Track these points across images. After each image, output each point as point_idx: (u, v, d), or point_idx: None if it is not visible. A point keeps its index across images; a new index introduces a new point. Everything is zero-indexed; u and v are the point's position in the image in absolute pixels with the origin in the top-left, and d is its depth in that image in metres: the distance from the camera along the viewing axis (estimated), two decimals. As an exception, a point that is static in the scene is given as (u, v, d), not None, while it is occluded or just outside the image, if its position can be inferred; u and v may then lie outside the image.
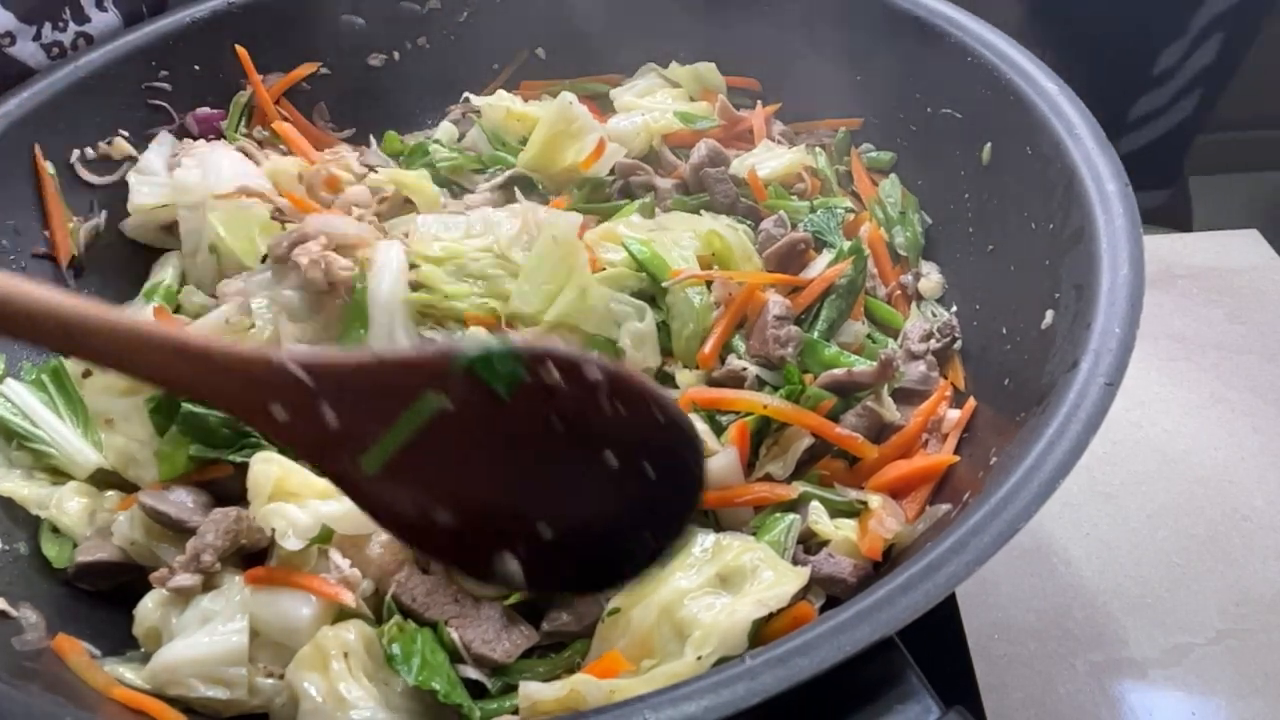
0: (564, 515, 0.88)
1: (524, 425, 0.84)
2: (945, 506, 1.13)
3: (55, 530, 1.21)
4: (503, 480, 0.87)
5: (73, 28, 1.59)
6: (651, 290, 1.34)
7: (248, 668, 1.04)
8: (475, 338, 0.85)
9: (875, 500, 1.18)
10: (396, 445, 0.82)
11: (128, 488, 1.24)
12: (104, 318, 0.76)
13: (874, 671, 0.85)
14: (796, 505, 1.20)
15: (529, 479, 0.87)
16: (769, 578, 1.08)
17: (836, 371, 1.27)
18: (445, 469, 0.85)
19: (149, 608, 1.11)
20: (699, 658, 1.00)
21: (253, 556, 1.17)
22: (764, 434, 1.25)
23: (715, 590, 1.07)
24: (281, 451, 1.18)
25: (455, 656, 1.07)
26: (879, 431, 1.26)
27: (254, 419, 0.83)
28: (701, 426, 1.21)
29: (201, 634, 1.06)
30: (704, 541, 1.12)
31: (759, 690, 0.80)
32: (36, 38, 1.55)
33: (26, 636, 1.06)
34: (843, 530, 1.16)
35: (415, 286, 1.32)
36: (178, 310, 1.42)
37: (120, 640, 1.11)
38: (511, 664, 1.08)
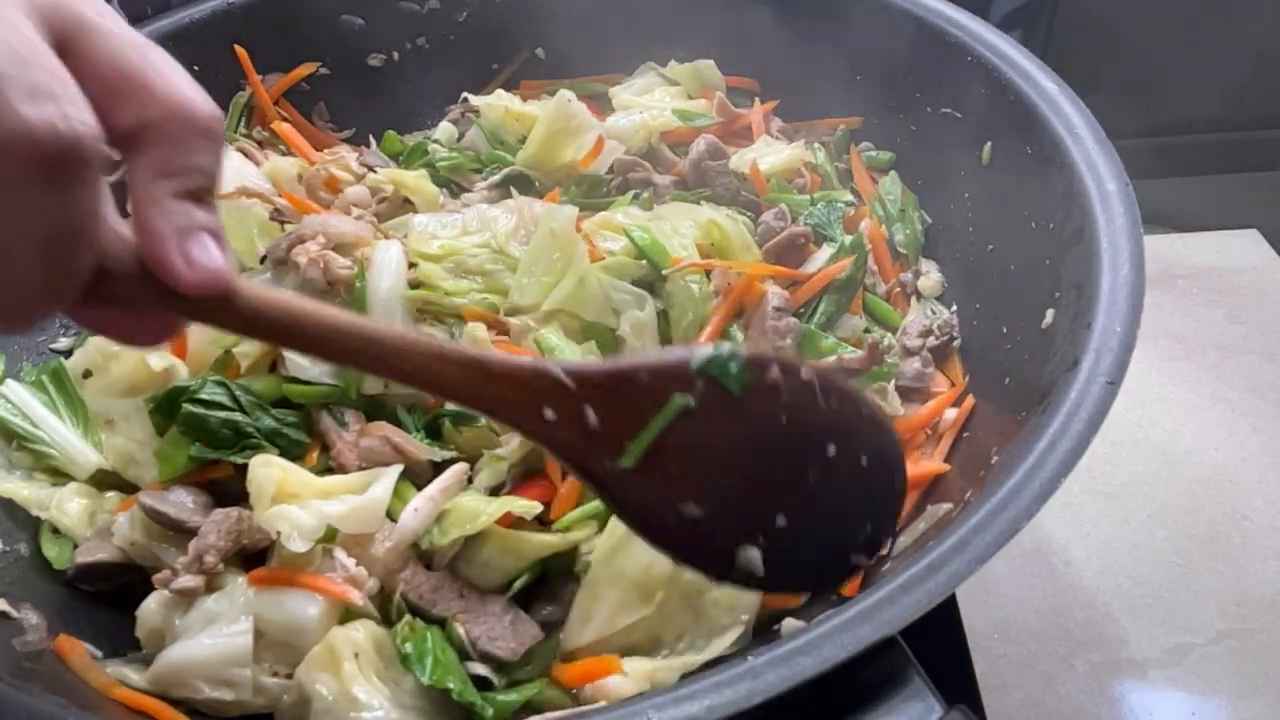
0: (796, 505, 0.93)
1: (756, 420, 0.89)
2: (946, 505, 1.13)
3: (55, 531, 1.20)
4: (740, 472, 0.91)
5: None
6: (650, 279, 1.34)
7: (253, 668, 1.04)
8: (704, 345, 0.93)
9: None
10: (648, 443, 0.88)
11: (128, 488, 1.24)
12: (391, 334, 0.82)
13: (876, 670, 0.84)
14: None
15: (764, 472, 0.92)
16: None
17: (828, 359, 1.27)
18: (691, 463, 0.90)
19: (151, 609, 1.11)
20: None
21: (254, 557, 1.16)
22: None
23: None
24: (282, 452, 1.18)
25: (463, 654, 1.07)
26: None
27: (526, 423, 0.88)
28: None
29: (205, 635, 1.05)
30: None
31: (762, 689, 0.80)
32: None
33: (27, 637, 1.05)
34: None
35: (414, 284, 1.32)
36: (178, 310, 1.42)
37: (121, 641, 1.11)
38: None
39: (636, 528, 0.93)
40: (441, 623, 1.09)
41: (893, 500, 0.97)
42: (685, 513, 0.91)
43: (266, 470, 1.12)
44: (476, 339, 1.23)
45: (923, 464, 1.20)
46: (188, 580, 1.09)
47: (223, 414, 1.18)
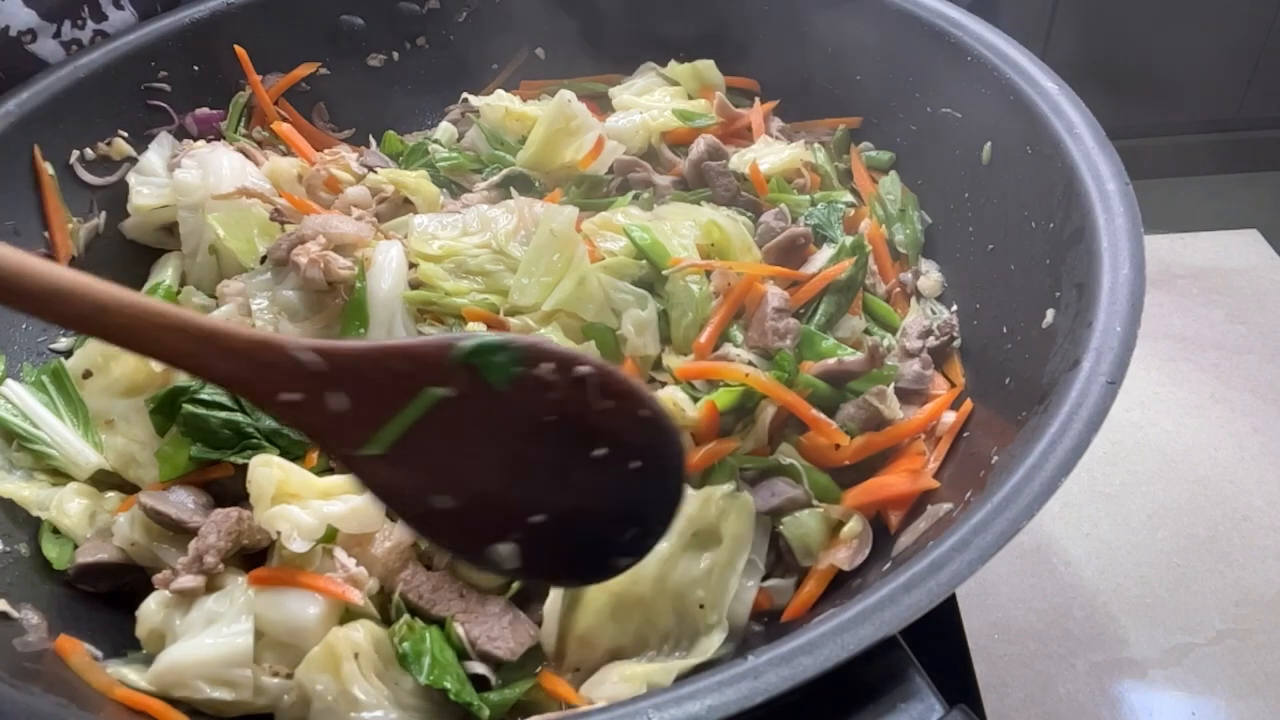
0: (557, 504, 0.92)
1: (519, 416, 0.88)
2: (947, 505, 1.12)
3: (56, 531, 1.20)
4: (499, 467, 0.90)
5: (91, 25, 1.59)
6: (650, 279, 1.34)
7: (253, 668, 1.04)
8: (473, 332, 0.88)
9: (854, 525, 1.19)
10: (400, 431, 0.86)
11: (128, 489, 1.24)
12: (119, 296, 0.78)
13: (877, 670, 0.85)
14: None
15: (524, 467, 0.90)
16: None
17: (828, 361, 1.27)
18: (446, 455, 0.88)
19: (151, 609, 1.11)
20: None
21: (254, 557, 1.17)
22: (745, 415, 1.26)
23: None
24: (282, 452, 1.18)
25: (461, 653, 1.07)
26: (878, 428, 1.26)
27: (265, 401, 0.86)
28: (680, 396, 1.22)
29: (206, 636, 1.05)
30: None
31: (763, 689, 0.80)
32: (56, 35, 1.56)
33: (28, 638, 1.05)
34: (805, 527, 1.18)
35: (415, 285, 1.32)
36: (177, 311, 1.42)
37: (122, 641, 1.11)
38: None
39: (388, 506, 0.91)
40: (441, 623, 1.09)
41: (667, 504, 0.95)
42: (437, 504, 0.89)
43: (267, 470, 1.12)
44: None
45: (918, 480, 1.20)
46: (188, 580, 1.09)
47: (223, 414, 1.18)
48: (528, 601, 1.14)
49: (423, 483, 0.89)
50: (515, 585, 1.13)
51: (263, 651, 1.06)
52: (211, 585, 1.11)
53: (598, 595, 1.09)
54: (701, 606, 1.10)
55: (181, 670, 1.03)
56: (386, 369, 0.85)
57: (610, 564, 0.96)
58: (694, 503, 1.13)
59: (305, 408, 0.85)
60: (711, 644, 1.08)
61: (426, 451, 0.87)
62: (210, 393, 1.19)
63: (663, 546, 1.10)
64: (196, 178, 1.48)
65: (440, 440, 0.87)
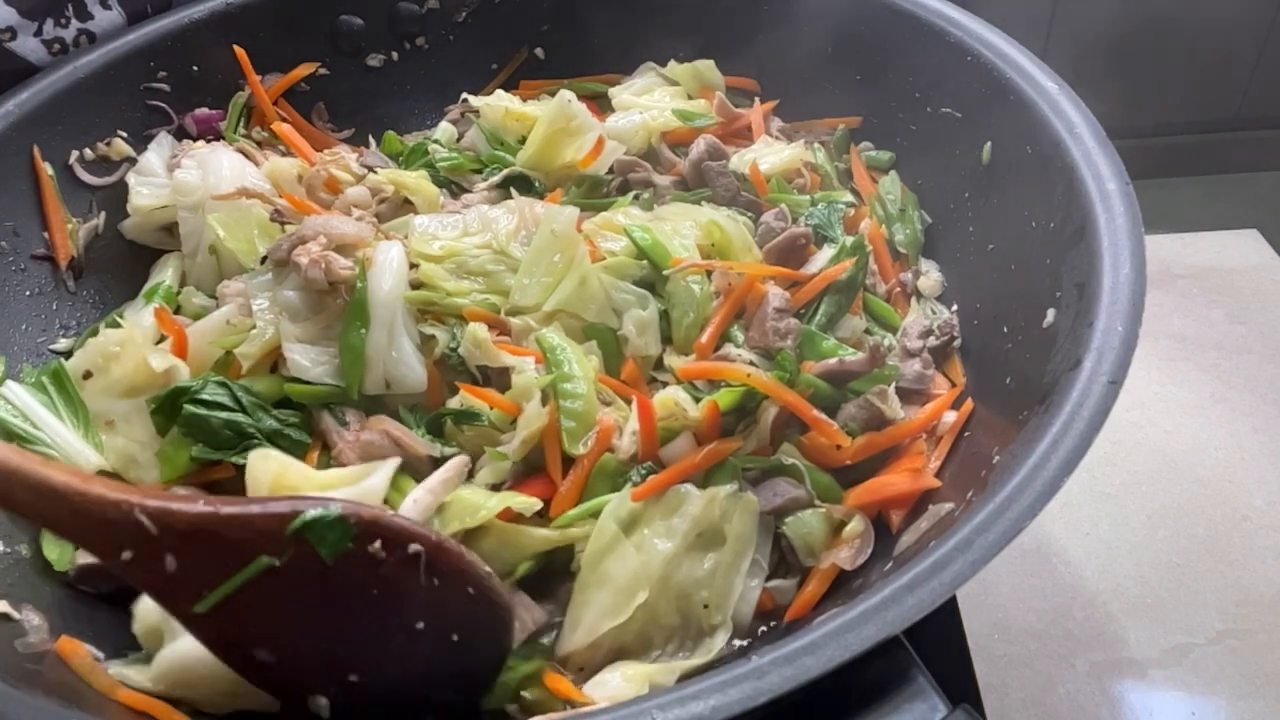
0: (374, 667, 0.97)
1: (344, 587, 0.92)
2: (948, 505, 1.12)
3: (57, 532, 1.20)
4: (319, 632, 0.95)
5: (75, 25, 1.59)
6: (651, 279, 1.34)
7: None
8: (319, 499, 0.94)
9: (856, 525, 1.19)
10: (228, 592, 0.89)
11: (129, 489, 1.24)
12: None
13: (880, 670, 0.84)
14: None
15: (344, 633, 0.95)
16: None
17: (829, 361, 1.27)
18: (270, 615, 0.93)
19: (148, 607, 1.10)
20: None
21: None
22: (746, 415, 1.26)
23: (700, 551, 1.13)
24: (283, 452, 1.18)
25: None
26: (879, 427, 1.26)
27: (105, 558, 0.90)
28: (682, 397, 1.22)
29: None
30: None
31: (766, 689, 0.80)
32: (38, 33, 1.55)
33: (29, 639, 1.05)
34: (808, 526, 1.18)
35: (416, 285, 1.32)
36: (178, 311, 1.42)
37: (123, 642, 1.10)
38: None
39: (213, 652, 0.95)
40: None
41: (487, 670, 1.03)
42: (257, 656, 0.94)
43: (264, 464, 1.12)
44: (478, 339, 1.23)
45: (919, 480, 1.20)
46: None
47: (224, 414, 1.18)
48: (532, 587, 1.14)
49: (246, 637, 0.93)
50: (519, 572, 1.12)
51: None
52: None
53: (598, 597, 1.09)
54: (706, 607, 1.10)
55: (181, 668, 1.02)
56: (221, 537, 0.88)
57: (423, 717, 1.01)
58: (698, 503, 1.14)
59: (136, 565, 0.88)
60: (715, 644, 1.09)
61: (251, 611, 0.91)
62: (211, 393, 1.18)
63: (666, 547, 1.11)
64: (196, 178, 1.48)
65: (266, 602, 0.91)
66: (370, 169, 1.58)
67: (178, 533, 0.87)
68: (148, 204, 1.53)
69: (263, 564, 0.88)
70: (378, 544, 0.91)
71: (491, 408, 1.21)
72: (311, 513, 0.89)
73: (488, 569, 1.02)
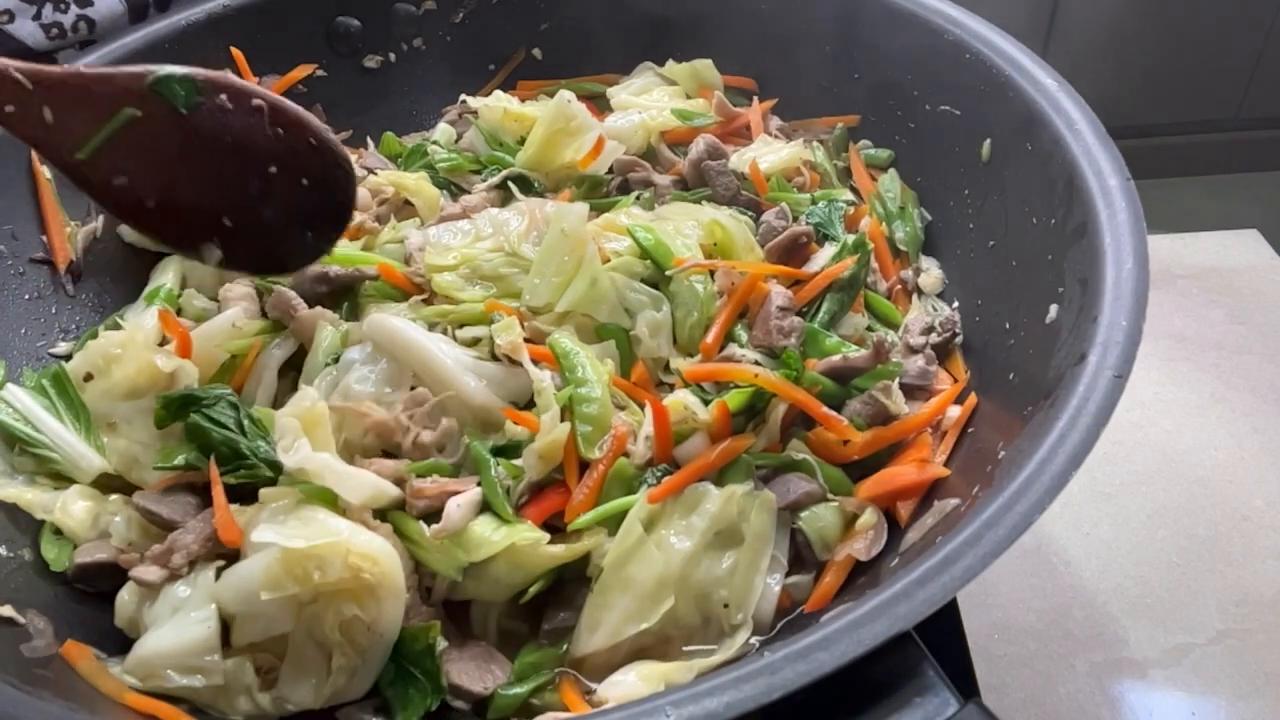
0: (242, 211, 1.22)
1: (203, 136, 1.16)
2: (954, 501, 1.12)
3: (57, 533, 1.19)
4: (188, 178, 1.19)
5: (74, 10, 1.58)
6: (654, 279, 1.34)
7: (235, 661, 1.03)
8: (166, 66, 1.16)
9: (869, 517, 1.19)
10: (101, 141, 1.13)
11: (131, 491, 1.23)
12: None
13: (892, 665, 0.84)
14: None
15: (210, 180, 1.19)
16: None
17: (833, 358, 1.27)
18: (144, 164, 1.17)
19: (125, 599, 1.11)
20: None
21: (235, 556, 1.14)
22: (755, 414, 1.26)
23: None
24: (276, 481, 1.16)
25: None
26: (884, 423, 1.26)
27: None
28: (691, 400, 1.21)
29: (170, 625, 1.05)
30: None
31: (779, 685, 0.80)
32: (36, 17, 1.54)
33: (35, 643, 1.05)
34: (823, 520, 1.18)
35: (427, 301, 1.32)
36: (179, 314, 1.41)
37: (124, 641, 1.10)
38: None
39: (105, 207, 1.22)
40: None
41: (336, 215, 1.26)
42: (145, 203, 1.19)
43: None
44: (512, 341, 1.22)
45: (926, 469, 1.20)
46: (150, 571, 1.08)
47: (226, 433, 1.17)
48: (544, 608, 1.14)
49: (130, 185, 1.17)
50: (531, 591, 1.11)
51: (242, 634, 1.05)
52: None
53: (622, 601, 1.09)
54: (726, 606, 1.10)
55: (150, 661, 1.03)
56: (89, 91, 1.11)
57: (290, 261, 1.28)
58: (717, 501, 1.13)
59: (20, 118, 1.10)
60: (736, 643, 1.09)
61: (127, 159, 1.15)
62: (219, 412, 1.17)
63: (685, 546, 1.11)
64: (195, 180, 1.47)
65: (138, 151, 1.15)
66: (370, 170, 1.58)
67: (48, 86, 1.09)
68: (147, 206, 1.52)
69: (127, 115, 1.12)
70: (223, 97, 1.15)
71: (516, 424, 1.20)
72: (163, 70, 1.12)
73: (326, 126, 1.23)
